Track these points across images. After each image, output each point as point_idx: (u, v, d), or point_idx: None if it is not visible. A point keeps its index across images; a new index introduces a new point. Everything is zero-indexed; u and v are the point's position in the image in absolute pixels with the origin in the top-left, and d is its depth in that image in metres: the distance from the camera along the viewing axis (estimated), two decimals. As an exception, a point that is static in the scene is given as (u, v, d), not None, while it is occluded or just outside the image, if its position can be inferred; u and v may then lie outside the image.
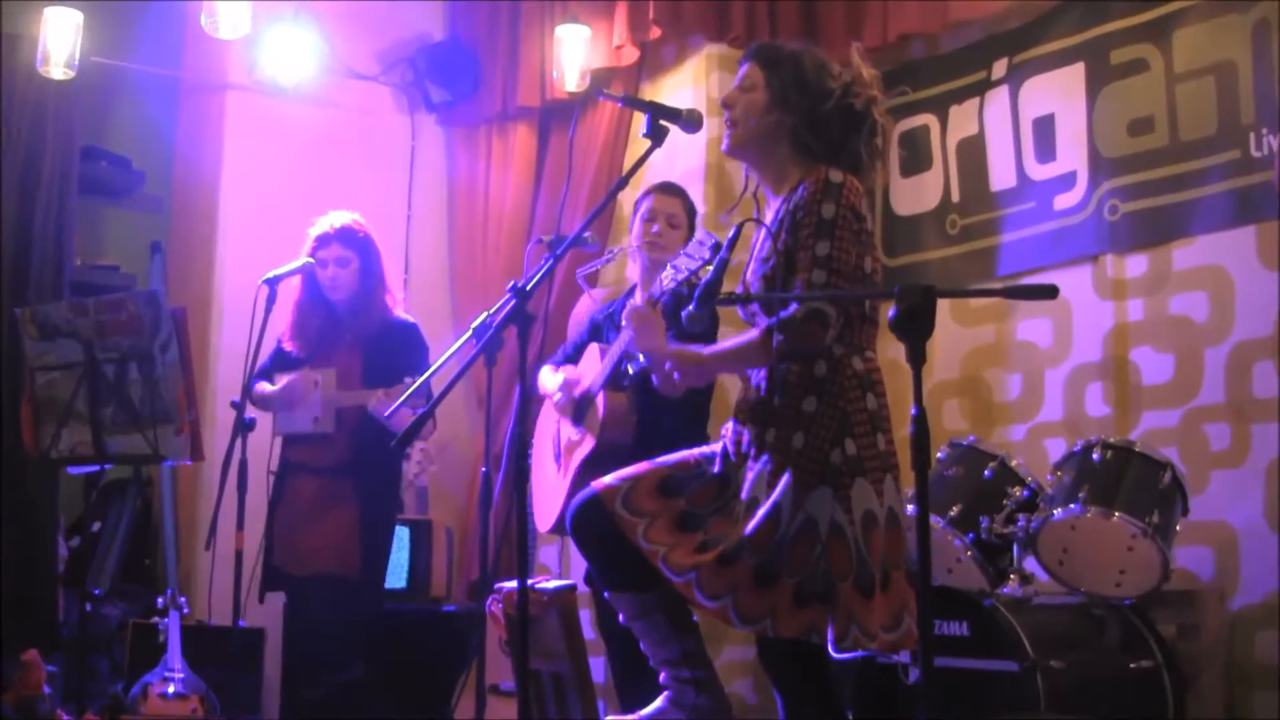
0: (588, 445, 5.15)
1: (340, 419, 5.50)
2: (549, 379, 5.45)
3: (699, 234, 3.94)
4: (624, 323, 4.35)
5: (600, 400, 5.11)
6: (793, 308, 3.56)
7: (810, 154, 3.75)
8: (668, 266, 3.77)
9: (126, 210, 7.87)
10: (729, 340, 3.82)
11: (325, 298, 5.65)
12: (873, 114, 3.77)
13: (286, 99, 7.38)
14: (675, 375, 3.79)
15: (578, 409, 5.25)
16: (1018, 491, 5.00)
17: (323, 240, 5.63)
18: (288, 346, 5.66)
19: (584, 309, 6.55)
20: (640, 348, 4.02)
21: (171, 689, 5.80)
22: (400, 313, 5.73)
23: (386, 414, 5.11)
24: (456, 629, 6.44)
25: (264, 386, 5.64)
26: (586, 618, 5.36)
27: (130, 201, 7.85)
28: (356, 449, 5.50)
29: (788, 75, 3.79)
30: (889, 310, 2.98)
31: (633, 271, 5.47)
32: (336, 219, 5.67)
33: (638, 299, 5.16)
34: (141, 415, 5.09)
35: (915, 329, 2.92)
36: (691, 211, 5.38)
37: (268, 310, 5.42)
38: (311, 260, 5.60)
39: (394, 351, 5.52)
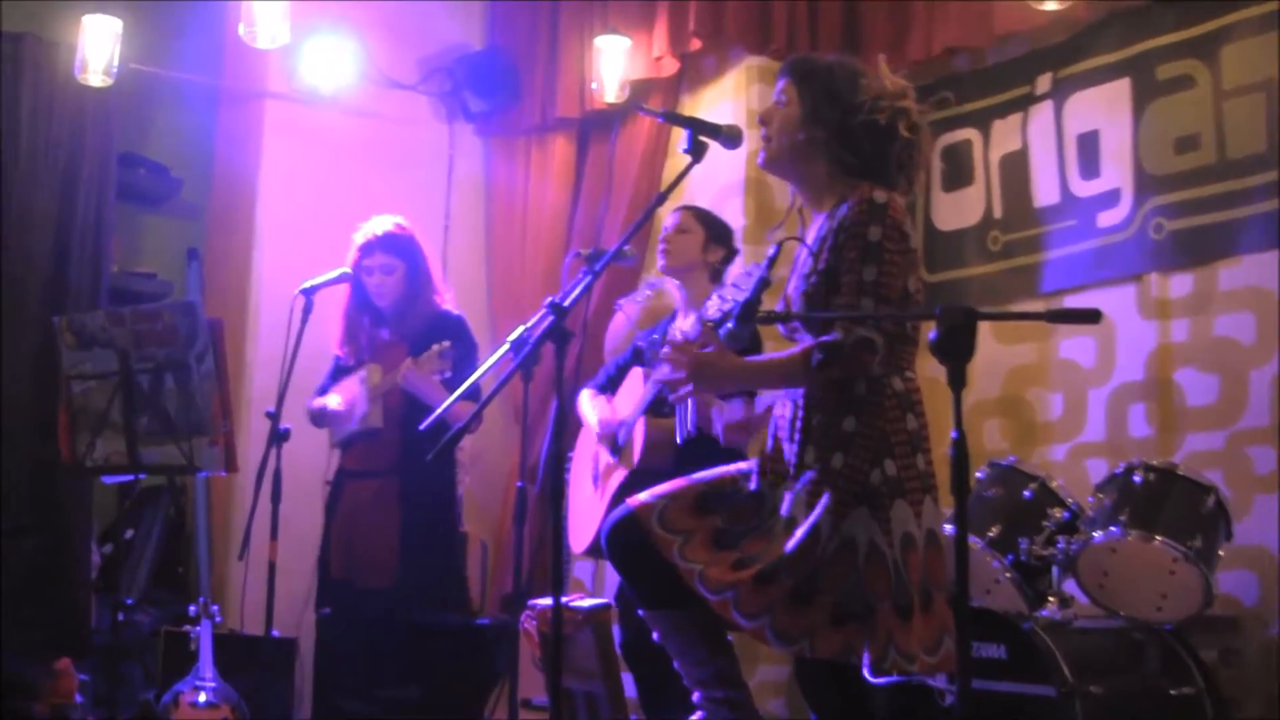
0: (626, 469, 5.18)
1: (387, 414, 5.55)
2: (589, 411, 5.49)
3: (745, 265, 3.91)
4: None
5: (640, 426, 5.13)
6: (834, 334, 3.54)
7: (847, 169, 3.73)
8: (714, 296, 3.76)
9: (164, 217, 7.91)
10: (769, 354, 3.80)
11: (373, 303, 5.73)
12: (899, 128, 3.73)
13: (325, 107, 7.41)
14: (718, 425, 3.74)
15: (615, 445, 5.29)
16: (1058, 513, 4.97)
17: (366, 249, 5.72)
18: (340, 354, 5.76)
19: (618, 328, 6.58)
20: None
21: (203, 698, 5.82)
22: (449, 308, 5.81)
23: (413, 381, 5.21)
24: (489, 642, 6.44)
25: (320, 401, 5.71)
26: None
27: (168, 209, 7.90)
28: (405, 448, 5.53)
29: (819, 89, 3.78)
30: (930, 329, 2.97)
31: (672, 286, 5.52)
32: (379, 225, 5.75)
33: (680, 324, 5.21)
34: (176, 426, 5.10)
35: (956, 351, 2.90)
36: (707, 220, 5.43)
37: (304, 320, 5.45)
38: (349, 270, 5.67)
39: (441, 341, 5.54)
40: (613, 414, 5.40)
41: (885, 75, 3.81)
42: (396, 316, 5.75)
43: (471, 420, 4.03)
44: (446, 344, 5.36)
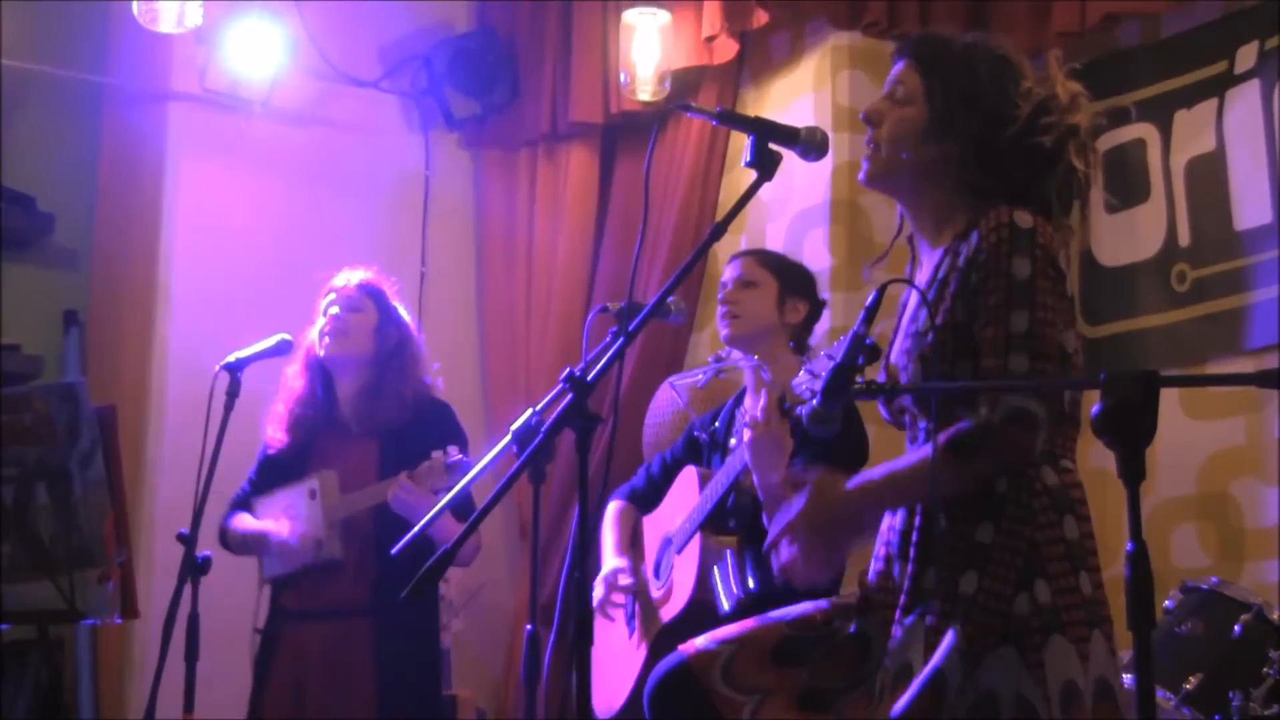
0: (677, 603, 5.17)
1: (349, 536, 5.54)
2: (608, 541, 5.50)
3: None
4: (736, 439, 4.39)
5: (694, 546, 5.12)
6: (964, 420, 3.52)
7: (982, 194, 3.73)
8: (802, 372, 3.73)
9: (30, 267, 7.93)
10: (883, 466, 3.75)
11: (333, 387, 5.73)
12: (1068, 153, 3.73)
13: (253, 115, 7.47)
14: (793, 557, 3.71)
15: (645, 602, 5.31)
16: (1283, 656, 4.97)
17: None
18: (271, 443, 5.81)
19: (663, 409, 6.58)
20: (759, 475, 4.01)
21: None
22: (433, 392, 5.87)
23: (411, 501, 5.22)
24: None
25: (244, 520, 5.71)
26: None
27: (36, 256, 7.92)
28: (377, 580, 5.56)
29: (955, 85, 3.77)
30: (1093, 402, 2.97)
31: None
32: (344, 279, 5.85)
33: (748, 405, 5.22)
34: (52, 556, 5.05)
35: (1130, 432, 2.90)
36: (779, 266, 5.44)
37: (228, 406, 5.44)
38: (288, 338, 5.65)
39: (421, 440, 5.59)
40: (647, 560, 5.42)
41: (1055, 74, 3.81)
42: (367, 412, 5.80)
43: (459, 543, 3.79)
44: (455, 451, 5.41)
